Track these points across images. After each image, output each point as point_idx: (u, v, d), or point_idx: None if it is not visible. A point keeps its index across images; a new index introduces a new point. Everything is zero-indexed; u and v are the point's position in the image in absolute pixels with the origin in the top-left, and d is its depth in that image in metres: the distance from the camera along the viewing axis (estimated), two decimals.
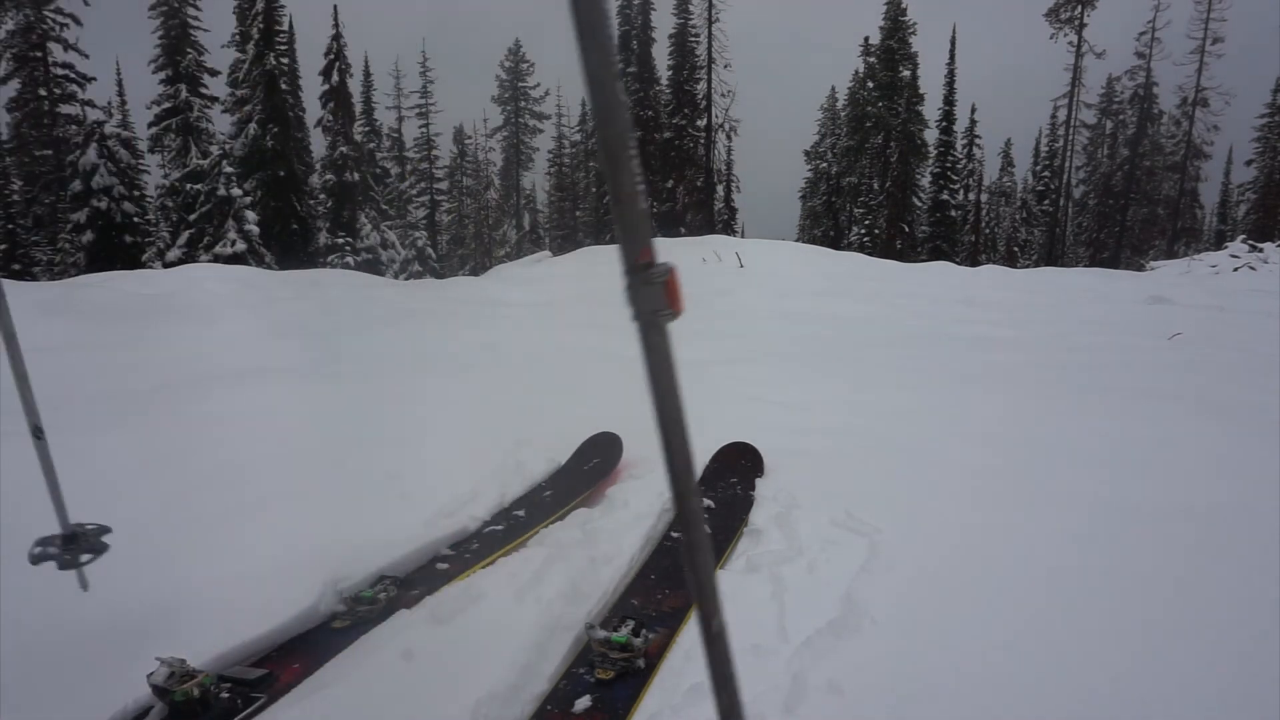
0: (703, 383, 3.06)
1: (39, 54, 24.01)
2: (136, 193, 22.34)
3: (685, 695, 1.12)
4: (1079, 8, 32.44)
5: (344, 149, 21.27)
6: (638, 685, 1.14)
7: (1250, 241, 16.08)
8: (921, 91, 31.47)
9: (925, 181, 33.00)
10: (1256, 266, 14.09)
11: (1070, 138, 34.87)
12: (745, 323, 5.85)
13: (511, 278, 11.21)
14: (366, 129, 26.31)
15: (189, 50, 23.79)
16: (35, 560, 1.22)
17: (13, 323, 1.26)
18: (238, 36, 20.18)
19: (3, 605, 1.36)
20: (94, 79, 25.31)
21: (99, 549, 1.26)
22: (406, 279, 16.47)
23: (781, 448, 2.21)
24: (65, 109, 24.54)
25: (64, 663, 1.21)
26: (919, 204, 32.28)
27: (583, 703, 1.11)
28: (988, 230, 37.33)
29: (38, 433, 1.30)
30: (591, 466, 2.10)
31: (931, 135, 32.11)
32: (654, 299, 0.58)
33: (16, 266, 24.29)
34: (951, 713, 1.06)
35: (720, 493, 1.92)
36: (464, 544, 1.70)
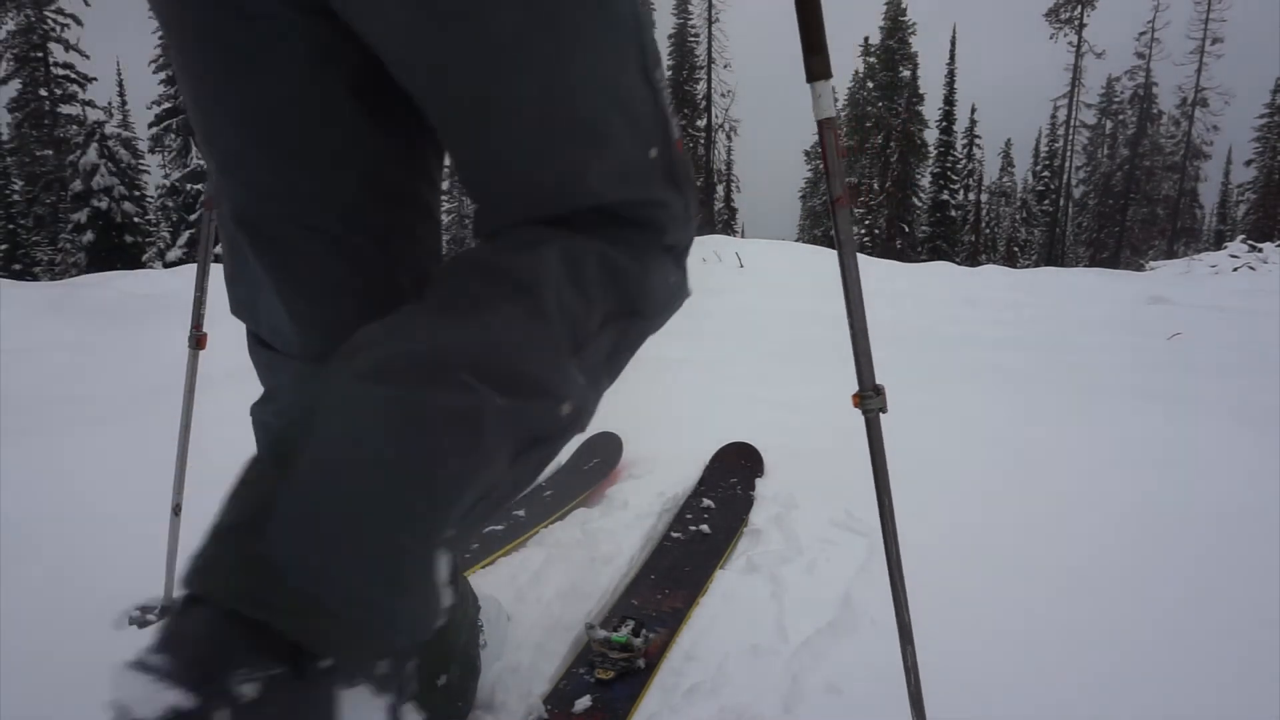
0: (702, 382, 3.06)
1: (39, 54, 24.03)
2: (137, 193, 22.36)
3: (685, 695, 1.12)
4: (1079, 8, 32.46)
5: None
6: (638, 685, 1.14)
7: (1250, 241, 16.08)
8: (921, 91, 31.50)
9: (925, 181, 32.99)
10: (1256, 266, 14.10)
11: (1070, 138, 34.90)
12: (745, 322, 5.86)
13: None
14: None
15: None
16: (136, 624, 1.35)
17: None
18: None
19: (2, 605, 1.36)
20: (94, 79, 25.32)
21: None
22: None
23: (781, 448, 2.21)
24: (66, 109, 24.57)
25: (63, 662, 1.21)
26: (919, 204, 32.30)
27: (583, 703, 1.11)
28: (988, 230, 37.35)
29: (176, 510, 1.39)
30: (591, 466, 2.10)
31: (931, 135, 32.14)
32: None
33: (17, 266, 24.31)
34: (952, 713, 1.06)
35: (720, 492, 1.92)
36: None
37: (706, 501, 1.85)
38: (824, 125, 0.85)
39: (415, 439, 0.57)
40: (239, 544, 0.55)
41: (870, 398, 0.90)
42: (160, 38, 23.31)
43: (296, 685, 0.51)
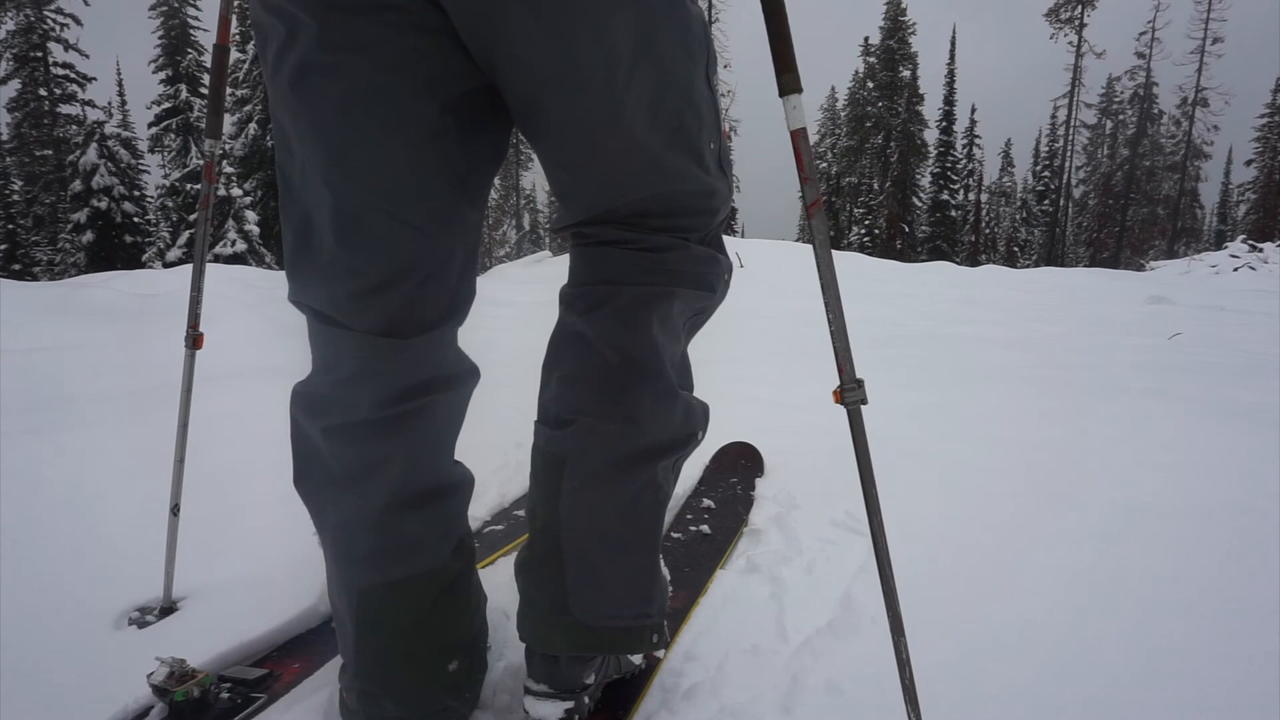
0: (702, 382, 3.06)
1: (39, 54, 24.03)
2: (136, 193, 22.36)
3: (685, 696, 1.12)
4: (1079, 8, 32.48)
5: None
6: (638, 685, 1.14)
7: (1250, 241, 16.10)
8: (921, 91, 31.50)
9: (925, 181, 32.98)
10: (1256, 266, 14.11)
11: (1070, 138, 34.92)
12: (745, 322, 5.86)
13: (511, 278, 11.23)
14: None
15: (189, 50, 23.76)
16: (136, 624, 1.35)
17: None
18: (238, 36, 20.20)
19: (2, 605, 1.36)
20: (94, 79, 25.32)
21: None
22: None
23: (781, 447, 2.21)
24: (65, 109, 24.58)
25: (63, 662, 1.21)
26: (919, 204, 32.31)
27: None
28: (988, 230, 37.37)
29: (175, 510, 1.39)
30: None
31: (931, 135, 32.15)
32: None
33: (16, 266, 24.33)
34: (953, 714, 1.06)
35: (721, 492, 1.92)
36: None
37: (707, 501, 1.85)
38: (797, 135, 0.92)
39: (651, 510, 1.01)
40: (558, 615, 0.98)
41: (852, 390, 0.94)
42: (160, 37, 23.28)
43: (611, 674, 1.09)
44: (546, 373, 1.03)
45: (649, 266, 0.96)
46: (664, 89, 0.86)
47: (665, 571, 1.12)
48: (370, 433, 0.93)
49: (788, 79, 0.91)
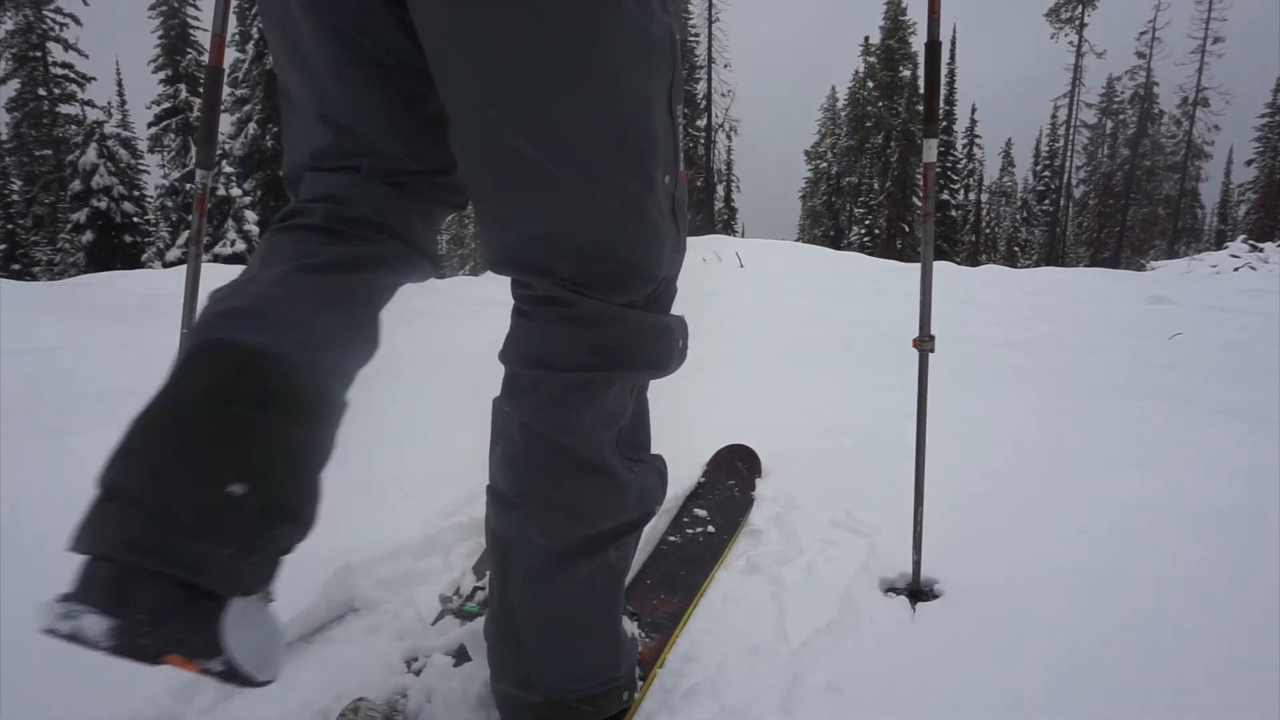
0: (701, 383, 3.06)
1: (39, 54, 24.02)
2: (136, 193, 22.37)
3: (684, 696, 1.12)
4: (1079, 7, 32.48)
5: None
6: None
7: (1251, 241, 16.10)
8: (921, 91, 31.45)
9: None
10: (1257, 266, 14.12)
11: (1071, 137, 34.93)
12: (744, 323, 5.86)
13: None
14: None
15: (188, 50, 23.75)
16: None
17: None
18: (238, 36, 20.18)
19: (2, 605, 1.36)
20: (94, 79, 25.31)
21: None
22: None
23: (781, 448, 2.20)
24: (65, 109, 24.58)
25: (63, 663, 1.21)
26: (919, 204, 32.26)
27: None
28: (988, 230, 37.36)
29: None
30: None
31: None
32: None
33: (16, 266, 24.32)
34: (953, 716, 1.06)
35: (719, 493, 1.92)
36: None
37: (704, 503, 1.85)
38: (927, 168, 1.30)
39: (605, 588, 0.97)
40: (521, 690, 0.95)
41: (926, 342, 1.30)
42: (160, 37, 23.28)
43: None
44: (493, 438, 0.97)
45: (589, 346, 0.86)
46: (611, 96, 0.75)
47: (631, 628, 1.09)
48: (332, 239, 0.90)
49: (933, 126, 1.23)
